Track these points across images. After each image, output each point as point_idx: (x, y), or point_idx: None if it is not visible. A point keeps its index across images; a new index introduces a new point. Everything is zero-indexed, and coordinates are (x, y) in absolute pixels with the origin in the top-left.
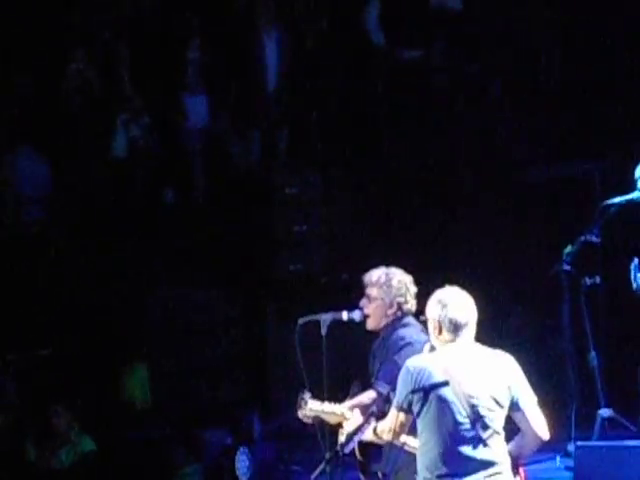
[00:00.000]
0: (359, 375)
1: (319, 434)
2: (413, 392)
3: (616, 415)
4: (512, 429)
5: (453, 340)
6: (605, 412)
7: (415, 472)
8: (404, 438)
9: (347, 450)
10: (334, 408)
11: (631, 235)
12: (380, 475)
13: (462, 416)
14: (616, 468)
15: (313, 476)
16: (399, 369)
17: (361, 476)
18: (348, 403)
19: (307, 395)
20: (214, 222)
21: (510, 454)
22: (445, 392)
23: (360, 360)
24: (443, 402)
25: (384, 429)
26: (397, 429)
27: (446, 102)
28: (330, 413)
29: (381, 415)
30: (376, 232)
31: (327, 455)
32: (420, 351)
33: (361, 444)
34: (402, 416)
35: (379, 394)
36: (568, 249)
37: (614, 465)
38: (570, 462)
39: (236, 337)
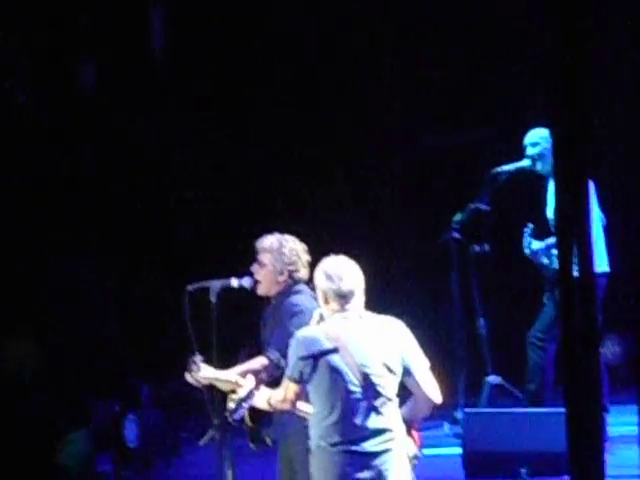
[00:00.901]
0: (249, 342)
1: (208, 400)
2: (304, 362)
3: (504, 382)
4: (406, 395)
5: (341, 309)
6: (493, 379)
7: (305, 438)
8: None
9: (236, 417)
10: (228, 375)
11: (520, 203)
12: (269, 441)
13: (354, 384)
14: (504, 434)
15: (202, 442)
16: (290, 336)
17: (250, 442)
18: (238, 368)
19: (198, 358)
20: (102, 193)
21: (403, 419)
22: (336, 361)
23: (251, 327)
24: (334, 371)
25: (277, 399)
26: (290, 399)
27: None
28: (224, 380)
29: (271, 381)
30: (265, 198)
31: (216, 421)
32: (309, 319)
33: (251, 410)
34: (294, 386)
35: (270, 360)
36: (457, 217)
37: (502, 431)
38: (458, 429)
39: (125, 305)
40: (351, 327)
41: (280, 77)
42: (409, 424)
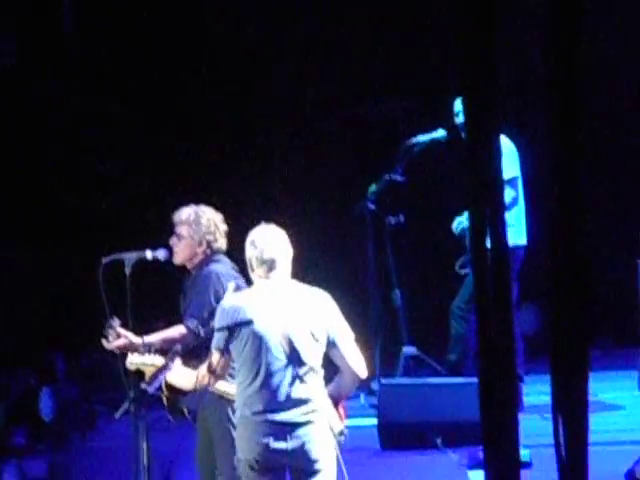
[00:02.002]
0: (164, 315)
1: (123, 373)
2: (229, 330)
3: (420, 353)
4: (332, 374)
5: (266, 276)
6: (409, 350)
7: (221, 409)
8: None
9: (152, 389)
10: (154, 359)
11: (435, 174)
12: (186, 412)
13: (278, 352)
14: (420, 405)
15: (117, 415)
16: (207, 304)
17: (168, 414)
18: (155, 336)
19: (116, 322)
20: (14, 166)
21: (331, 396)
22: (260, 328)
23: (168, 299)
24: (258, 338)
25: (204, 373)
26: (218, 370)
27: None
28: (150, 364)
29: (189, 351)
30: (182, 171)
31: (131, 394)
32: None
33: (167, 381)
34: (220, 356)
35: (188, 329)
36: (372, 188)
37: (418, 402)
38: (374, 400)
39: (39, 278)
40: (276, 294)
41: (197, 55)
42: (336, 401)
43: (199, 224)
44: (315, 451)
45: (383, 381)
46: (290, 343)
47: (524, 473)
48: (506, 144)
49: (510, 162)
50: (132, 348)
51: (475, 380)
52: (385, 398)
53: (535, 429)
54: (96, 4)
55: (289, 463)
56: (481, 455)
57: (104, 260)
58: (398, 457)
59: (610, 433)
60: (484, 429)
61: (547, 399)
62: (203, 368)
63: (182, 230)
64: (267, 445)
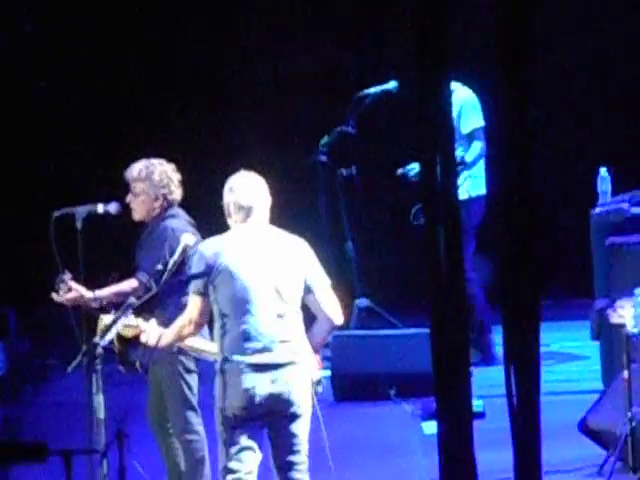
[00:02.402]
0: (115, 269)
1: (76, 326)
2: (208, 273)
3: (372, 305)
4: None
5: (243, 222)
6: (362, 302)
7: (173, 362)
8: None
9: (105, 342)
10: (129, 321)
11: (386, 125)
12: (138, 365)
13: (260, 292)
14: (372, 357)
15: (69, 368)
16: (162, 258)
17: (120, 367)
18: (107, 290)
19: (67, 276)
20: None
21: (308, 341)
22: (241, 270)
23: (120, 253)
24: (240, 280)
25: (184, 322)
26: (197, 317)
27: None
28: (126, 326)
29: (141, 305)
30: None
31: (84, 347)
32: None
33: (120, 335)
34: (198, 300)
35: (140, 282)
36: (324, 140)
37: (370, 354)
38: (327, 352)
39: None
40: (255, 237)
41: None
42: (313, 349)
43: (152, 179)
44: (297, 394)
45: (335, 333)
46: (272, 283)
47: (478, 423)
48: (469, 95)
49: (475, 113)
50: (83, 301)
51: (426, 330)
52: (338, 350)
53: (489, 379)
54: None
55: (273, 408)
56: (434, 406)
57: (55, 214)
58: (351, 409)
59: (563, 383)
60: (436, 380)
61: (501, 350)
62: (181, 319)
63: (136, 187)
64: (254, 389)
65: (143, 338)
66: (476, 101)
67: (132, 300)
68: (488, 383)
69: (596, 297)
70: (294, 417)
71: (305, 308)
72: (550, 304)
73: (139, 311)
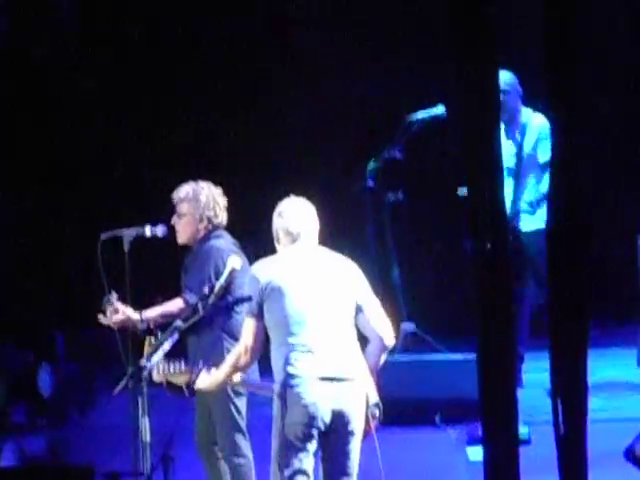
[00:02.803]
0: (163, 291)
1: (122, 349)
2: (262, 296)
3: (418, 330)
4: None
5: (293, 247)
6: (408, 327)
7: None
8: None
9: (151, 365)
10: (178, 368)
11: (434, 150)
12: (185, 389)
13: (313, 309)
14: (418, 382)
15: (116, 391)
16: (207, 279)
17: (166, 390)
18: (154, 310)
19: (114, 297)
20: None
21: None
22: (294, 288)
23: (167, 276)
24: (293, 298)
25: (240, 351)
26: (252, 342)
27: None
28: (177, 374)
29: (189, 327)
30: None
31: (130, 370)
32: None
33: (166, 358)
34: (254, 323)
35: (186, 302)
36: (371, 165)
37: (416, 379)
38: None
39: (40, 254)
40: (306, 257)
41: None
42: (369, 372)
43: (198, 200)
44: (355, 411)
45: None
46: (326, 301)
47: (523, 450)
48: (543, 122)
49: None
50: (130, 323)
51: (474, 357)
52: (383, 374)
53: (534, 406)
54: None
55: (331, 424)
56: (480, 432)
57: (103, 236)
58: (396, 434)
59: (609, 410)
60: (483, 406)
61: (546, 375)
62: (236, 349)
63: (182, 208)
64: (315, 404)
65: (197, 385)
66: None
67: (178, 323)
68: (534, 409)
69: None
70: (350, 435)
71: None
72: (597, 331)
73: (185, 333)
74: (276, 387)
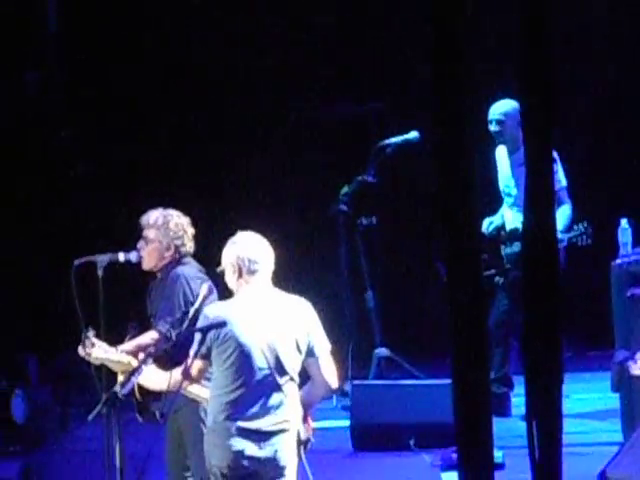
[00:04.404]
0: (136, 317)
1: (95, 375)
2: (211, 338)
3: (392, 354)
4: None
5: (248, 284)
6: (381, 351)
7: (193, 412)
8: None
9: (125, 391)
10: (120, 356)
11: (407, 175)
12: (158, 415)
13: (261, 361)
14: (392, 406)
15: (90, 417)
16: (177, 307)
17: (138, 416)
18: (128, 344)
19: (91, 333)
20: None
21: (301, 403)
22: (244, 336)
23: (139, 301)
24: (242, 346)
25: (179, 378)
26: (195, 375)
27: None
28: (116, 361)
29: (161, 355)
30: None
31: (104, 396)
32: (196, 288)
33: (139, 384)
34: (200, 363)
35: (160, 333)
36: (344, 189)
37: (390, 403)
38: (346, 401)
39: (11, 280)
40: (260, 303)
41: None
42: (304, 408)
43: (167, 228)
44: (284, 459)
45: (356, 382)
46: (274, 353)
47: (498, 474)
48: (554, 154)
49: (558, 170)
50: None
51: (448, 381)
52: (358, 399)
53: (508, 430)
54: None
55: (259, 470)
56: (454, 456)
57: (76, 262)
58: (371, 459)
59: (583, 435)
60: (457, 430)
61: (521, 400)
62: (177, 371)
63: (150, 234)
64: (241, 452)
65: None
66: (557, 157)
67: (151, 350)
68: (508, 433)
69: (616, 348)
70: (279, 478)
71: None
72: (571, 355)
73: (160, 360)
74: (207, 423)
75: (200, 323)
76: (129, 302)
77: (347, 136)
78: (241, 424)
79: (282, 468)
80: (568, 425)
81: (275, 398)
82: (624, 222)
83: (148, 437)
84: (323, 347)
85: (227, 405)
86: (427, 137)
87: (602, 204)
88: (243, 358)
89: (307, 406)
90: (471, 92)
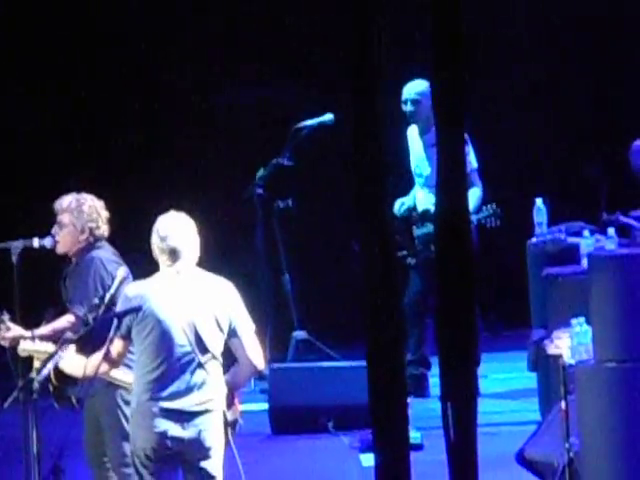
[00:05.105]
0: (52, 303)
1: (11, 361)
2: (131, 318)
3: (310, 337)
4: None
5: (171, 265)
6: (299, 334)
7: (110, 397)
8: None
9: (41, 377)
10: (47, 347)
11: (322, 157)
12: (74, 400)
13: (182, 340)
14: (310, 389)
15: (6, 404)
16: (93, 290)
17: (55, 402)
18: (44, 328)
19: (6, 317)
20: None
21: (227, 384)
22: (165, 316)
23: (53, 287)
24: (163, 326)
25: (97, 361)
26: (115, 357)
27: None
28: (43, 351)
29: (78, 339)
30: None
31: (20, 382)
32: (113, 271)
33: (56, 370)
34: (120, 343)
35: (76, 317)
36: (260, 172)
37: (308, 386)
38: (265, 385)
39: None
40: (180, 282)
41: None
42: (231, 390)
43: (81, 211)
44: (209, 439)
45: (273, 365)
46: (194, 331)
47: (416, 455)
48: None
49: (469, 152)
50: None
51: (364, 363)
52: (275, 382)
53: (427, 411)
54: None
55: (183, 450)
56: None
57: None
58: (289, 441)
59: (500, 414)
60: (372, 411)
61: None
62: (96, 356)
63: (64, 218)
64: (164, 433)
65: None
66: (467, 139)
67: (69, 335)
68: (427, 415)
69: (533, 328)
70: (205, 459)
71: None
72: (487, 336)
73: (77, 345)
74: (132, 404)
75: (120, 303)
76: (46, 288)
77: (264, 118)
78: (164, 404)
79: (207, 449)
80: (485, 405)
81: (197, 376)
82: (539, 201)
83: (66, 423)
84: (247, 327)
85: (149, 385)
86: (340, 119)
87: (518, 183)
88: (163, 335)
89: (234, 388)
90: (384, 72)
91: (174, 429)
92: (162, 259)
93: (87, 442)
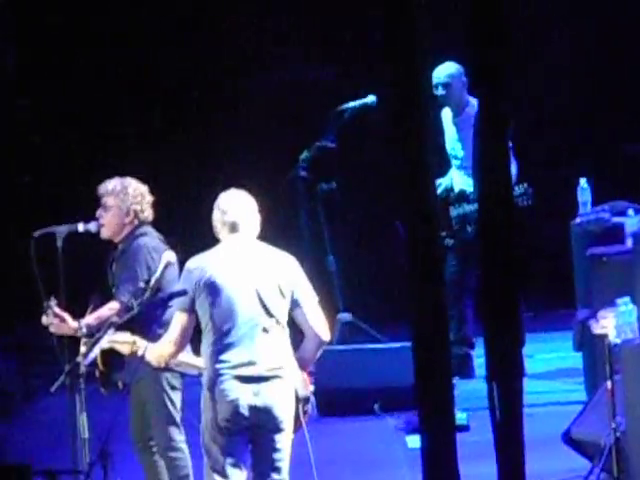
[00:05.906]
0: (98, 288)
1: (57, 346)
2: (195, 290)
3: (355, 319)
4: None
5: (233, 238)
6: (344, 316)
7: (156, 381)
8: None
9: (87, 362)
10: (125, 337)
11: (365, 140)
12: (120, 385)
13: (246, 304)
14: (356, 371)
15: (53, 388)
16: (140, 277)
17: (101, 387)
18: (90, 317)
19: (53, 302)
20: None
21: (297, 361)
22: (228, 285)
23: (99, 272)
24: (227, 292)
25: (165, 342)
26: (178, 336)
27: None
28: (121, 342)
29: (123, 324)
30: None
31: (67, 367)
32: (159, 257)
33: (102, 354)
34: (185, 317)
35: (121, 303)
36: (304, 155)
37: (354, 368)
38: (311, 367)
39: None
40: (242, 252)
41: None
42: (301, 367)
43: (126, 194)
44: (281, 409)
45: None
46: (258, 296)
47: (462, 436)
48: None
49: None
50: (69, 330)
51: (409, 344)
52: (321, 365)
53: (473, 392)
54: None
55: (255, 422)
56: (418, 420)
57: (35, 234)
58: (335, 423)
59: (546, 394)
60: (418, 393)
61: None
62: (164, 339)
63: (109, 200)
64: (237, 401)
65: (140, 352)
66: None
67: (114, 319)
68: (473, 395)
69: (578, 308)
70: (277, 431)
71: (292, 326)
72: (533, 316)
73: (123, 329)
74: (204, 380)
75: (183, 278)
76: (91, 273)
77: (306, 100)
78: (234, 372)
79: (279, 421)
80: (531, 385)
81: (264, 342)
82: (583, 182)
83: (112, 407)
84: (309, 297)
85: (219, 354)
86: (383, 102)
87: (562, 163)
88: (227, 300)
89: (303, 364)
90: (423, 55)
91: (246, 396)
92: (223, 233)
93: (133, 426)
